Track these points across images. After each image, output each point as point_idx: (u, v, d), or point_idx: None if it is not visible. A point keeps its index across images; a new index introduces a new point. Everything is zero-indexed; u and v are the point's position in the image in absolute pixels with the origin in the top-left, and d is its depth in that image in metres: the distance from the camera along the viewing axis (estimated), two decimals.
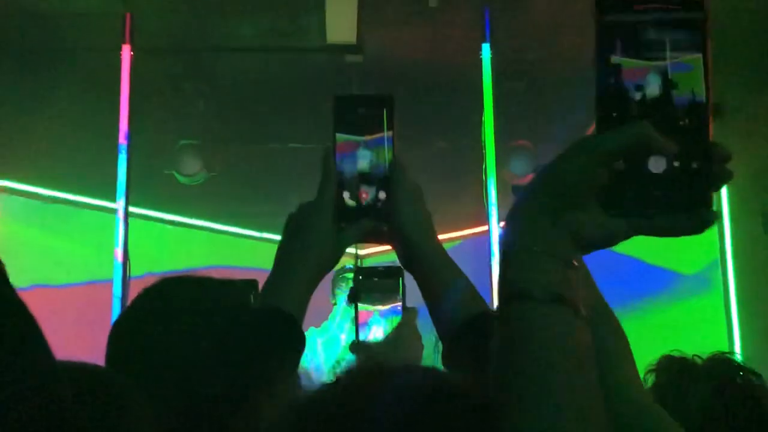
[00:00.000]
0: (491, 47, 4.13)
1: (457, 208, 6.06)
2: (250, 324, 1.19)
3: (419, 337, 1.70)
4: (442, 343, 1.16)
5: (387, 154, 1.21)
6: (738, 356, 1.84)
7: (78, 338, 5.26)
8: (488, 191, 4.09)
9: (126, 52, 4.14)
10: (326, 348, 4.43)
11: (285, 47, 4.75)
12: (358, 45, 4.59)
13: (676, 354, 1.74)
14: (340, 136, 1.22)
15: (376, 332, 1.61)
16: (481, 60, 4.12)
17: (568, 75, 5.00)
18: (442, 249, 1.20)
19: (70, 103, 5.03)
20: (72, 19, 4.40)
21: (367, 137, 1.22)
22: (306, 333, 1.23)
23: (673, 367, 1.71)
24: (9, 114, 5.21)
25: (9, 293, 0.76)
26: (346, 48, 4.61)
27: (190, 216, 6.67)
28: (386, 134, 1.22)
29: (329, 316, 4.63)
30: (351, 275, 4.62)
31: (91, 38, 4.52)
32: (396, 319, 1.64)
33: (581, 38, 4.66)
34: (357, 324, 1.61)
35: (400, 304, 1.64)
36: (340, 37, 4.50)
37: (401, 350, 1.63)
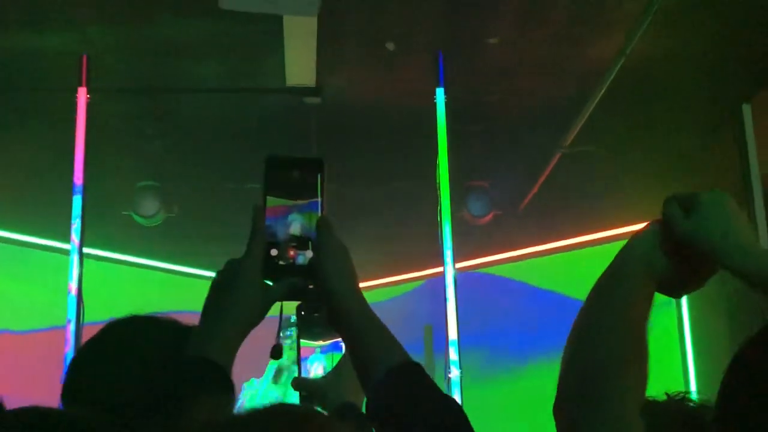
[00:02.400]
0: (446, 90, 4.20)
1: (414, 248, 6.10)
2: (179, 370, 1.21)
3: None
4: (366, 394, 1.19)
5: (316, 218, 1.24)
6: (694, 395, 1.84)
7: (36, 381, 5.20)
8: (443, 232, 4.13)
9: (82, 94, 4.14)
10: (250, 402, 4.41)
11: (244, 88, 4.78)
12: (317, 87, 4.65)
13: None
14: (271, 200, 1.23)
15: (317, 368, 1.62)
16: (435, 102, 4.19)
17: (523, 116, 5.10)
18: (367, 306, 1.24)
19: (27, 143, 5.01)
20: (29, 58, 4.40)
21: (299, 201, 1.24)
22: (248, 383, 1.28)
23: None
24: None
25: None
26: (305, 90, 4.66)
27: (148, 257, 6.63)
28: (319, 199, 1.24)
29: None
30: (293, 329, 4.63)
31: (49, 78, 4.52)
32: (338, 355, 1.65)
33: (535, 80, 4.76)
34: (299, 360, 1.63)
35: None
36: (299, 79, 4.55)
37: (342, 387, 1.64)
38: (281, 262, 1.22)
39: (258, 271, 1.22)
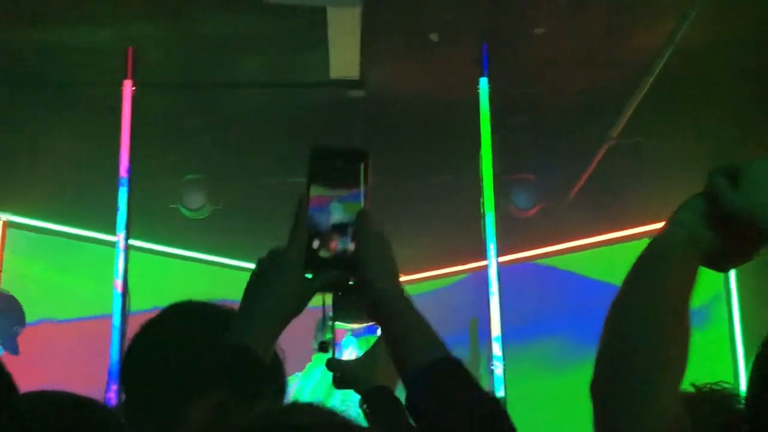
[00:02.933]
0: (490, 81, 4.16)
1: (458, 242, 6.07)
2: (215, 357, 1.22)
3: None
4: (404, 387, 1.17)
5: (358, 209, 1.22)
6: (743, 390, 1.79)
7: (79, 370, 5.27)
8: (486, 225, 4.09)
9: (127, 87, 4.17)
10: (310, 394, 4.41)
11: (288, 83, 4.79)
12: (361, 80, 4.64)
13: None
14: (315, 189, 1.23)
15: (351, 351, 1.62)
16: (479, 94, 4.16)
17: (569, 107, 5.04)
18: (408, 299, 1.22)
19: (75, 137, 5.07)
20: (77, 53, 4.45)
21: (342, 191, 1.23)
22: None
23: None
24: (13, 148, 5.25)
25: None
26: (348, 83, 4.66)
27: (194, 249, 6.69)
28: (362, 189, 1.23)
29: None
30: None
31: (96, 72, 4.57)
32: (372, 338, 1.65)
33: (582, 70, 4.70)
34: (333, 341, 1.63)
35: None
36: (342, 72, 4.54)
37: (375, 370, 1.64)
38: (323, 254, 1.21)
39: (299, 262, 1.21)
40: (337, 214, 1.22)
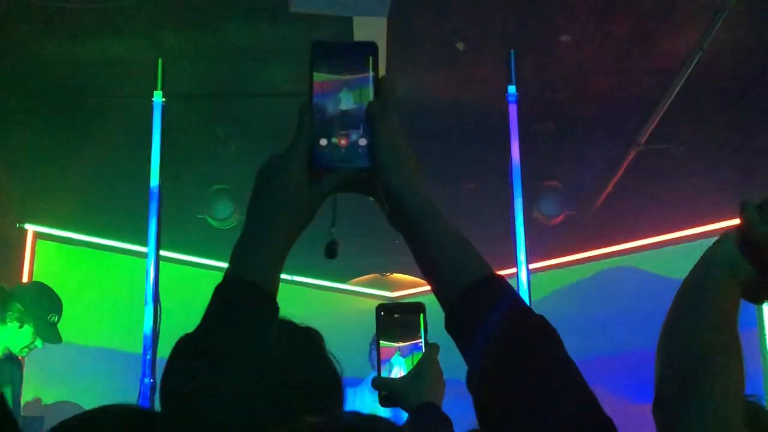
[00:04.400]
0: (518, 89, 4.14)
1: (486, 249, 6.05)
2: (210, 306, 1.06)
3: (441, 373, 1.69)
4: (442, 307, 1.02)
5: (370, 95, 1.08)
6: None
7: (108, 379, 5.31)
8: (516, 233, 4.06)
9: (157, 98, 4.20)
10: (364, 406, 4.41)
11: None
12: None
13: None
14: (319, 75, 1.09)
15: (398, 369, 1.62)
16: (507, 102, 4.14)
17: (597, 114, 5.01)
18: (433, 204, 1.05)
19: (104, 148, 5.11)
20: (107, 65, 4.50)
21: (349, 76, 1.09)
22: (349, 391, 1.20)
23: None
24: (43, 159, 5.31)
25: None
26: None
27: (223, 259, 6.71)
28: (370, 74, 1.10)
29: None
30: None
31: (126, 84, 4.61)
32: (417, 355, 1.64)
33: (609, 77, 4.68)
34: (379, 360, 1.62)
35: (421, 340, 1.64)
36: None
37: (422, 387, 1.63)
38: (331, 149, 1.07)
39: (303, 164, 1.06)
40: (346, 101, 1.09)
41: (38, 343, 4.55)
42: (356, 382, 4.65)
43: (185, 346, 1.06)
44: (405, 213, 1.04)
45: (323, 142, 1.07)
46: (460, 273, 1.01)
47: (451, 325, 1.00)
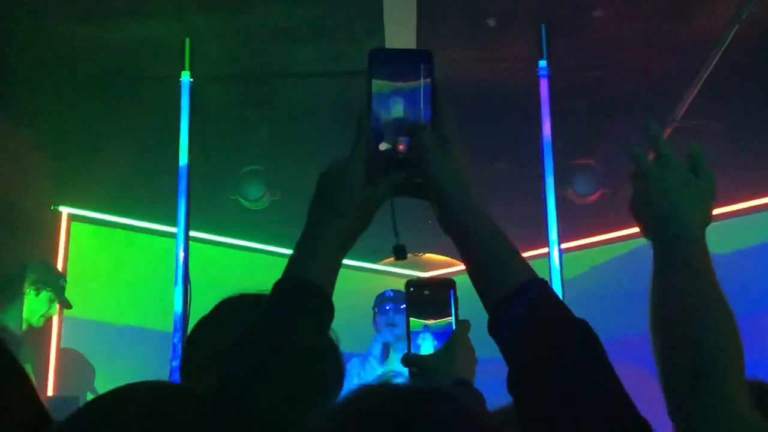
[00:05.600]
0: (550, 65, 4.09)
1: (519, 229, 6.01)
2: (271, 301, 1.12)
3: (472, 351, 1.67)
4: (486, 309, 1.06)
5: (421, 101, 1.13)
6: None
7: (143, 359, 5.36)
8: (548, 212, 4.02)
9: (185, 78, 4.21)
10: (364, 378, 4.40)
11: (345, 71, 4.78)
12: None
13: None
14: (377, 83, 1.13)
15: (424, 347, 1.60)
16: (538, 78, 4.09)
17: (630, 92, 4.94)
18: (484, 211, 1.11)
19: (135, 130, 5.14)
20: (136, 46, 4.50)
21: (404, 84, 1.13)
22: (349, 364, 1.22)
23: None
24: (74, 141, 5.34)
25: None
26: None
27: (254, 240, 6.74)
28: (423, 82, 1.13)
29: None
30: (391, 303, 4.63)
31: (155, 65, 4.62)
32: (447, 333, 1.62)
33: (643, 54, 4.60)
34: (409, 336, 1.60)
35: (452, 317, 1.62)
36: None
37: (453, 364, 1.61)
38: (389, 155, 1.12)
39: (362, 170, 1.12)
40: (402, 110, 1.13)
41: (53, 309, 4.82)
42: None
43: (244, 334, 1.10)
44: (454, 220, 1.10)
45: (382, 146, 1.12)
46: (505, 277, 1.05)
47: (493, 327, 1.04)
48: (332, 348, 1.46)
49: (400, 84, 1.13)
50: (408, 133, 1.11)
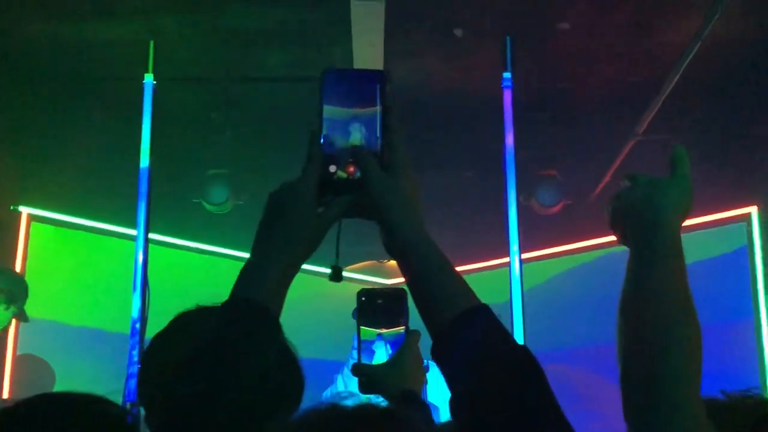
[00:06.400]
0: (515, 76, 4.12)
1: (481, 238, 6.04)
2: (218, 321, 1.12)
3: (421, 360, 1.69)
4: (429, 334, 1.07)
5: (378, 128, 1.14)
6: None
7: (102, 361, 5.30)
8: (509, 222, 4.04)
9: (149, 81, 4.18)
10: (348, 381, 4.39)
11: (312, 77, 4.77)
12: None
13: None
14: (328, 108, 1.14)
15: (378, 355, 1.61)
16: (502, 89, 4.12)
17: (594, 104, 5.00)
18: (429, 239, 1.11)
19: (97, 131, 5.09)
20: (99, 47, 4.46)
21: (358, 109, 1.14)
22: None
23: None
24: (36, 141, 5.28)
25: None
26: None
27: (218, 244, 6.70)
28: (378, 108, 1.14)
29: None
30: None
31: (118, 67, 4.58)
32: (398, 342, 1.64)
33: (607, 66, 4.66)
34: (359, 345, 1.61)
35: (403, 326, 1.63)
36: (366, 66, 4.52)
37: (402, 374, 1.62)
38: (339, 177, 1.13)
39: (311, 191, 1.13)
40: (354, 135, 1.14)
41: (9, 320, 4.73)
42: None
43: (192, 356, 1.10)
44: (399, 248, 1.10)
45: (332, 169, 1.13)
46: (448, 303, 1.06)
47: (436, 353, 1.05)
48: (290, 362, 1.46)
49: (352, 105, 1.14)
50: (353, 158, 1.13)
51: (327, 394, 4.26)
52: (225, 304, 1.12)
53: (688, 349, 1.11)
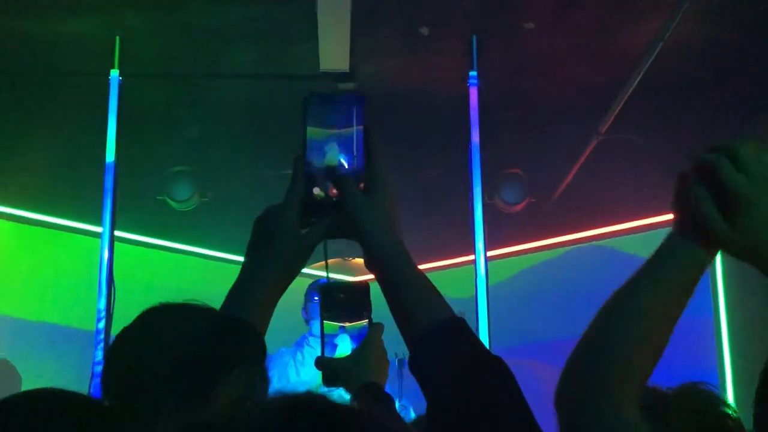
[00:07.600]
0: (481, 74, 4.15)
1: (447, 236, 6.07)
2: (208, 337, 1.18)
3: (384, 353, 1.71)
4: (407, 347, 1.11)
5: (354, 147, 1.18)
6: (713, 388, 1.72)
7: (66, 357, 5.26)
8: (475, 220, 4.07)
9: (114, 77, 4.15)
10: (300, 368, 4.35)
11: (278, 74, 4.77)
12: (351, 72, 4.62)
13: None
14: (312, 130, 1.19)
15: (341, 348, 1.62)
16: (468, 87, 4.15)
17: (558, 103, 5.04)
18: (407, 254, 1.16)
19: (61, 127, 5.04)
20: (64, 43, 4.42)
21: (338, 130, 1.19)
22: (277, 353, 1.27)
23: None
24: None
25: None
26: (338, 75, 4.63)
27: (182, 242, 6.67)
28: (356, 128, 1.19)
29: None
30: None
31: (83, 62, 4.54)
32: (361, 335, 1.65)
33: (572, 66, 4.70)
34: (323, 340, 1.62)
35: (366, 320, 1.65)
36: (332, 64, 4.52)
37: (366, 366, 1.64)
38: (321, 199, 1.18)
39: (296, 214, 1.18)
40: (335, 156, 1.18)
41: None
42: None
43: (177, 368, 1.17)
44: (377, 264, 1.15)
45: (315, 191, 1.18)
46: (424, 315, 1.10)
47: (413, 363, 1.09)
48: (264, 381, 1.48)
49: (333, 129, 1.19)
50: (333, 181, 1.17)
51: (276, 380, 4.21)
52: (215, 323, 1.19)
53: (632, 350, 1.11)
